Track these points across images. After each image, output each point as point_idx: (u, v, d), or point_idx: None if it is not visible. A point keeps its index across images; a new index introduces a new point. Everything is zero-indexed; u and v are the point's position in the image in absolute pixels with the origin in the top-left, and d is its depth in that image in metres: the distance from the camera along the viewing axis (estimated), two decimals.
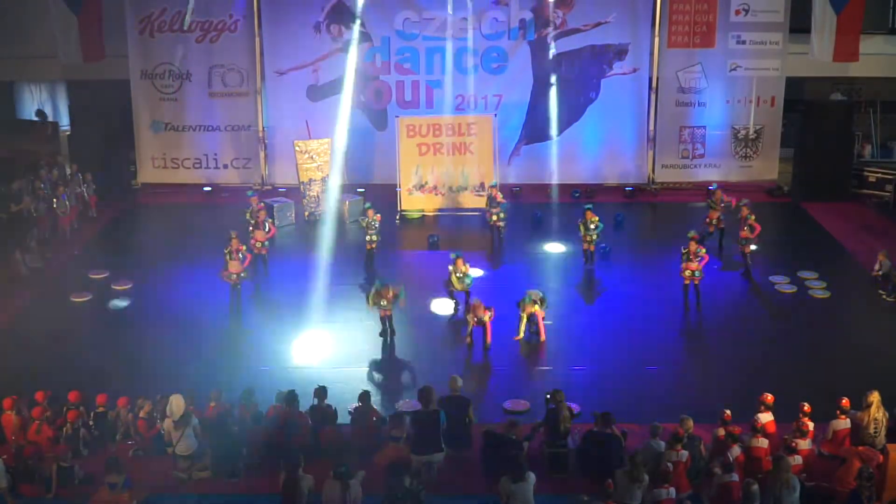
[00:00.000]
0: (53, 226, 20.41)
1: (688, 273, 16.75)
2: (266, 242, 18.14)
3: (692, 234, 17.05)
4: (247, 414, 12.59)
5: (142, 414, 12.80)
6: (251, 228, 18.18)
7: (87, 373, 14.27)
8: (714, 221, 19.41)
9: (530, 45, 23.46)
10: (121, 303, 17.42)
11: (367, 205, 19.41)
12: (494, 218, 19.65)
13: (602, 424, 12.04)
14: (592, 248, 18.62)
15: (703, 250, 16.87)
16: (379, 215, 18.75)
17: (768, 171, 24.18)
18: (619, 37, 23.29)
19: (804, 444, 11.94)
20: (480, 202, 20.86)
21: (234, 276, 16.66)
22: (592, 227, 18.36)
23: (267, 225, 18.23)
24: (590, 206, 18.75)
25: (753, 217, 18.18)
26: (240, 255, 16.70)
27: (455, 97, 23.53)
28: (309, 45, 23.36)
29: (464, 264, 16.53)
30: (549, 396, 12.49)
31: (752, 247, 18.41)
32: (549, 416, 12.24)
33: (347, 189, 22.61)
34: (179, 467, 12.03)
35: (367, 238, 18.61)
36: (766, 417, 12.29)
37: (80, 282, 18.06)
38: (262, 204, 19.90)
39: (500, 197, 19.88)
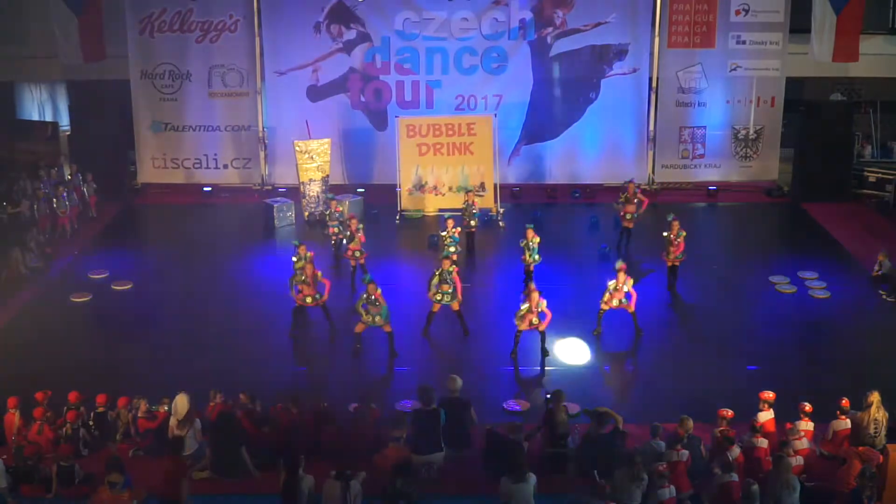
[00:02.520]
0: (53, 226, 20.43)
1: (606, 306, 15.46)
2: (362, 249, 17.51)
3: (620, 264, 15.62)
4: (247, 414, 12.58)
5: (140, 413, 12.80)
6: (340, 238, 18.05)
7: (87, 373, 14.27)
8: (629, 217, 19.05)
9: (530, 45, 23.46)
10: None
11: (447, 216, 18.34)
12: (473, 222, 19.36)
13: (598, 425, 12.02)
14: (531, 268, 17.38)
15: (631, 282, 15.47)
16: (458, 228, 18.03)
17: (768, 172, 24.19)
18: (619, 37, 23.29)
19: (803, 444, 11.95)
20: (481, 202, 20.80)
21: (310, 298, 15.63)
22: (534, 246, 17.20)
23: (359, 233, 17.43)
24: (531, 224, 17.64)
25: (684, 235, 17.19)
26: (315, 279, 15.49)
27: (455, 97, 23.54)
28: (309, 45, 23.36)
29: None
30: (548, 397, 12.48)
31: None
32: (548, 417, 12.24)
33: (348, 189, 22.62)
34: None
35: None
36: (765, 416, 12.30)
37: (80, 282, 18.07)
38: (344, 209, 19.41)
39: (477, 205, 19.69)
